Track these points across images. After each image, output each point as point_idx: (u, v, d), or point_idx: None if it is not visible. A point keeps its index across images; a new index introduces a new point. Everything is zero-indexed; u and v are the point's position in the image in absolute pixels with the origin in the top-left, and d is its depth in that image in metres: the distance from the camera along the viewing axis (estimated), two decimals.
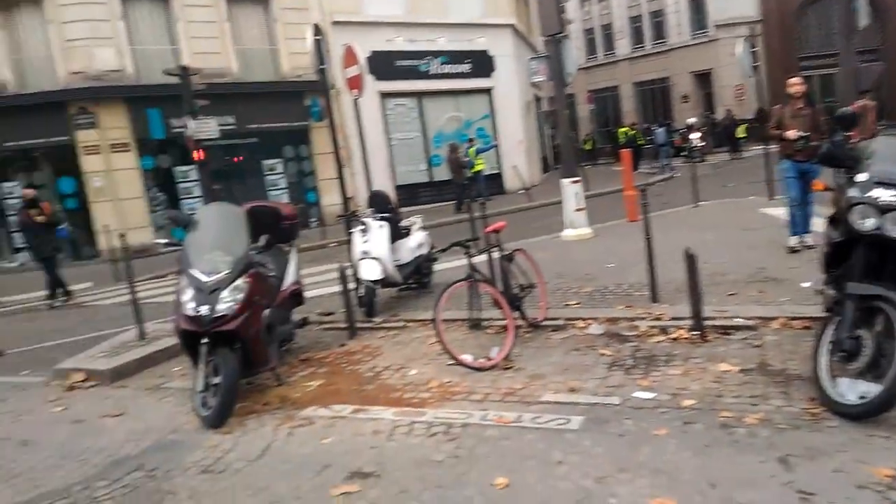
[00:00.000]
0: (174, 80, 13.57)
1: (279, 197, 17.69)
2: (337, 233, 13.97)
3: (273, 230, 5.60)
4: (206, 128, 13.86)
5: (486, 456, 3.47)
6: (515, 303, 5.45)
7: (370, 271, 6.75)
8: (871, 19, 15.83)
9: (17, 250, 15.76)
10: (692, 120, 26.55)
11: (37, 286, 11.33)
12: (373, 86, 16.97)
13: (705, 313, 4.94)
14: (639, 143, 26.25)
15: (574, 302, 6.31)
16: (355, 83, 9.22)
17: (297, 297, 5.90)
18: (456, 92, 21.47)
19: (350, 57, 9.29)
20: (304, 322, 6.22)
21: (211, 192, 14.38)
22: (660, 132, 24.62)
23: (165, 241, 5.20)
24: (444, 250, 6.37)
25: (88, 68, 15.52)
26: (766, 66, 27.98)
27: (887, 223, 3.43)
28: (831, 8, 29.30)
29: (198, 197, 16.29)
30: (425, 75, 20.58)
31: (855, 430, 3.24)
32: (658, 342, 4.89)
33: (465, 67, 21.28)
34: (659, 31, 37.12)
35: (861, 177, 3.63)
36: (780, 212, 8.19)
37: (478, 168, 17.79)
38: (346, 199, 9.42)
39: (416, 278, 7.61)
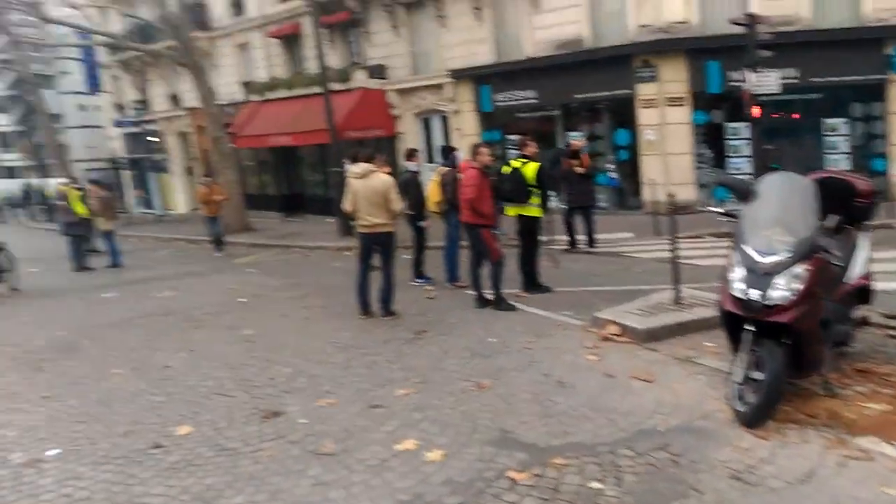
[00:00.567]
0: (737, 29, 12.88)
1: (837, 163, 15.34)
2: None
3: (844, 208, 4.68)
4: (766, 81, 12.83)
5: None
6: None
7: None
8: None
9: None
10: None
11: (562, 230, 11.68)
12: None
13: None
14: None
15: None
16: None
17: (863, 293, 4.86)
18: None
19: None
20: (865, 322, 5.12)
21: (761, 151, 13.34)
22: None
23: (721, 209, 4.80)
24: None
25: (656, 20, 15.96)
26: None
27: None
28: None
29: (746, 156, 15.43)
30: None
31: None
32: None
33: None
34: None
35: None
36: None
37: None
38: None
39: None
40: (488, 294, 7.59)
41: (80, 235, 13.94)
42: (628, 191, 17.00)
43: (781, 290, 3.94)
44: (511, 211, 8.25)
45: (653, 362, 5.22)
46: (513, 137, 16.34)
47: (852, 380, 4.51)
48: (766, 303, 3.95)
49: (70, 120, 45.19)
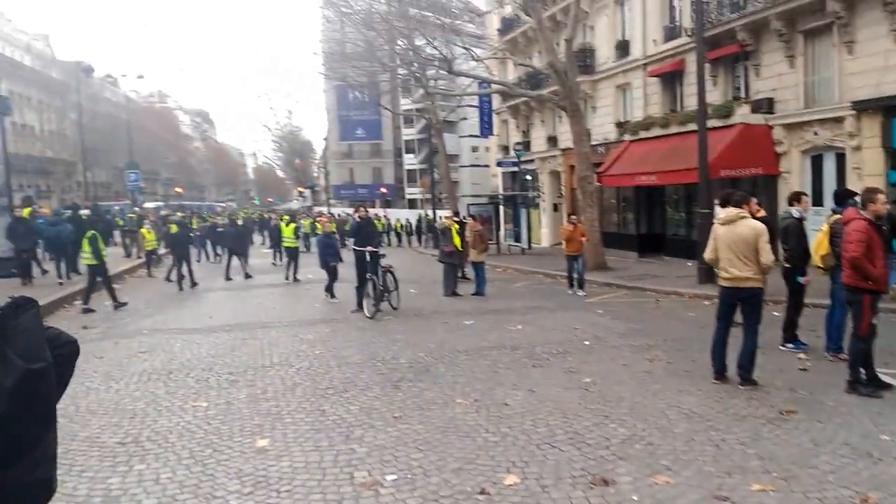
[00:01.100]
0: None
1: None
2: None
3: None
4: None
5: None
6: None
7: None
8: None
9: None
10: None
11: None
12: None
13: None
14: None
15: None
16: None
17: None
18: None
19: None
20: None
21: None
22: None
23: None
24: None
25: None
26: None
27: None
28: None
29: None
30: None
31: None
32: None
33: None
34: None
35: None
36: None
37: None
38: None
39: None
40: (887, 376, 5.97)
41: (453, 264, 15.34)
42: None
43: None
44: None
45: None
46: None
47: None
48: None
49: (463, 159, 51.33)
